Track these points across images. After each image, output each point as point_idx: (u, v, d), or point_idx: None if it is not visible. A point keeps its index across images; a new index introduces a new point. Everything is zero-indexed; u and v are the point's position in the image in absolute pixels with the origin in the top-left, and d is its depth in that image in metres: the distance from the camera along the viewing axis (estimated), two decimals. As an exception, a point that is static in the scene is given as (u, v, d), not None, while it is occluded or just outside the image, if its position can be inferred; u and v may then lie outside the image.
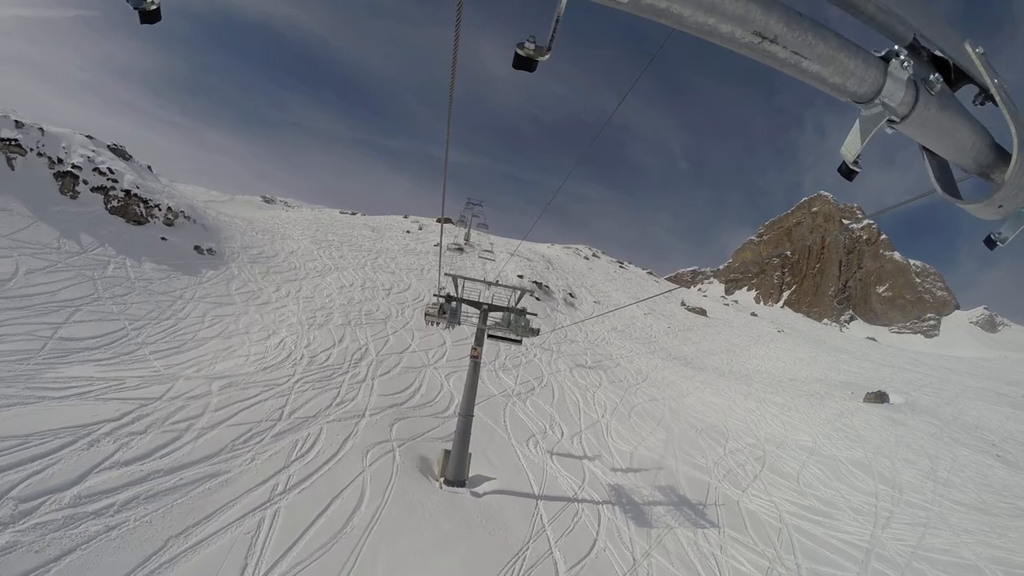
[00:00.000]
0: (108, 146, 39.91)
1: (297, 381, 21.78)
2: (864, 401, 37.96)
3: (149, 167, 43.64)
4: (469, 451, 16.65)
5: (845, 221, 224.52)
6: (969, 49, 1.67)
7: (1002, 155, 1.76)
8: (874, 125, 1.66)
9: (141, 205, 35.29)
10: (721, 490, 20.52)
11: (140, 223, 34.26)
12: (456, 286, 18.16)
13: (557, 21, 1.53)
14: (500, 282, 20.26)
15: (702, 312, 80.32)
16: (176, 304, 27.37)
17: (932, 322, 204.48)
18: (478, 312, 17.84)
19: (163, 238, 34.52)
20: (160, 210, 36.60)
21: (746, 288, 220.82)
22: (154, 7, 1.57)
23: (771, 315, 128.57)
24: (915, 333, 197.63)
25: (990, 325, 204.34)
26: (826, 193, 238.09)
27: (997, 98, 1.65)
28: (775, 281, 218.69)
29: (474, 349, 17.19)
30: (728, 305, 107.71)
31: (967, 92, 1.83)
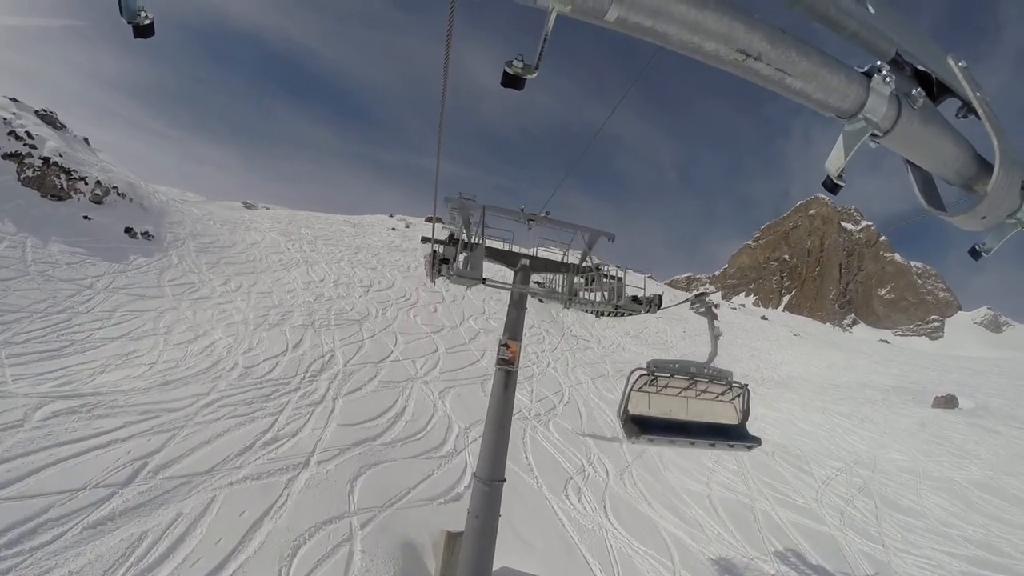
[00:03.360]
0: (36, 111, 33.80)
1: (208, 404, 14.57)
2: (933, 407, 34.73)
3: (86, 139, 37.07)
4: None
5: (844, 224, 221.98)
6: (952, 63, 1.74)
7: (984, 167, 1.76)
8: (857, 140, 1.66)
9: (62, 177, 29.08)
10: (855, 546, 14.94)
11: (60, 198, 28.37)
12: (466, 224, 10.82)
13: (545, 40, 1.50)
14: (549, 214, 11.79)
15: (714, 316, 75.23)
16: (80, 295, 21.08)
17: (936, 323, 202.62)
18: (512, 274, 10.91)
19: (86, 217, 28.43)
20: (86, 184, 30.26)
21: (744, 293, 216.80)
22: (148, 22, 1.55)
23: (780, 319, 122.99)
24: (919, 335, 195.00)
25: (994, 325, 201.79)
26: (823, 196, 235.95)
27: (979, 111, 1.68)
28: (774, 286, 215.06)
29: (506, 345, 10.09)
30: (736, 309, 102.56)
31: (950, 105, 1.84)
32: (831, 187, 1.84)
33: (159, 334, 19.67)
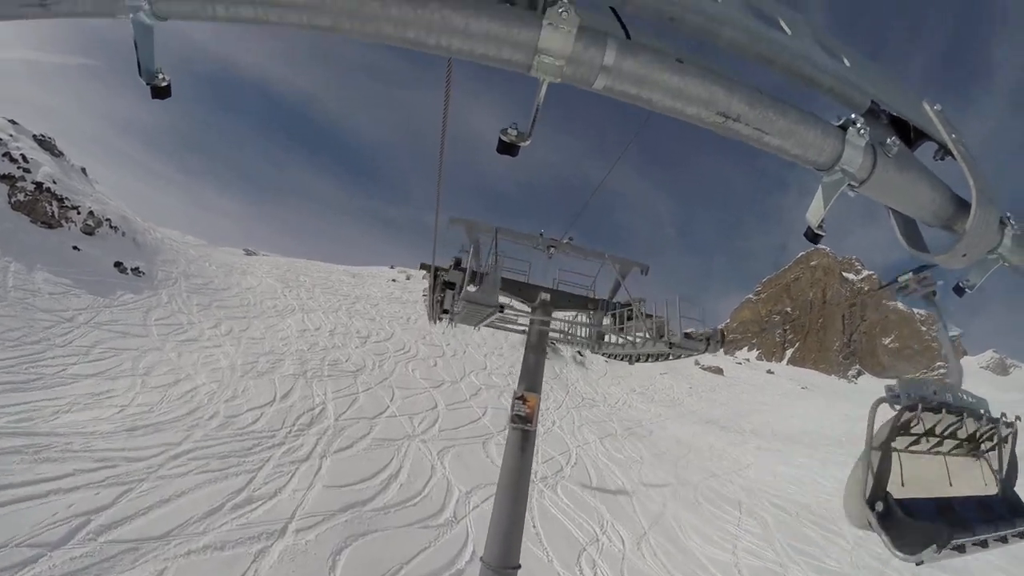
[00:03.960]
0: (34, 135, 33.18)
1: (178, 456, 13.03)
2: None
3: (83, 169, 36.36)
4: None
5: (845, 274, 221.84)
6: (927, 108, 1.81)
7: (962, 207, 1.77)
8: (835, 190, 1.68)
9: (54, 204, 28.21)
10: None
11: (50, 225, 27.44)
12: (475, 250, 9.42)
13: (537, 110, 1.54)
14: (573, 240, 10.21)
15: (719, 371, 75.35)
16: (59, 327, 20.01)
17: (943, 370, 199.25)
18: (529, 309, 9.70)
19: (75, 247, 27.40)
20: (79, 213, 29.35)
21: (747, 348, 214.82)
22: (165, 84, 1.60)
23: (785, 372, 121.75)
24: None
25: (1001, 368, 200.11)
26: (823, 247, 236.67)
27: (955, 153, 1.73)
28: (777, 339, 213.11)
29: (523, 399, 8.68)
30: (741, 364, 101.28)
31: (927, 149, 1.89)
32: (812, 237, 1.85)
33: (137, 375, 18.45)
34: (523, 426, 9.01)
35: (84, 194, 31.12)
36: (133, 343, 21.23)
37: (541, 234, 10.70)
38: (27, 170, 28.59)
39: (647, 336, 8.39)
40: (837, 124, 1.68)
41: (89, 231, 29.37)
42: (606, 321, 10.40)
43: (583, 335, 10.93)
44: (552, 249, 10.54)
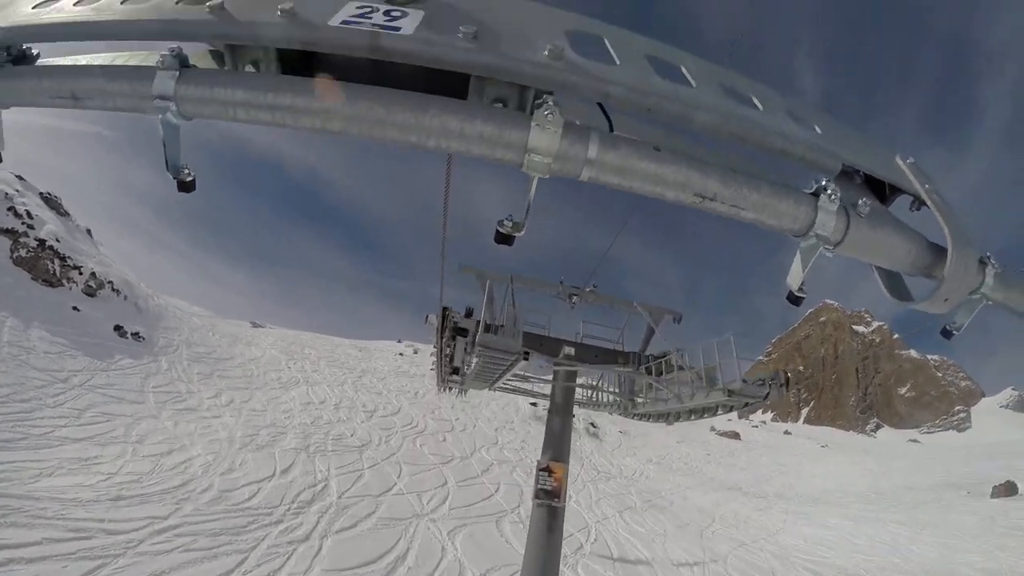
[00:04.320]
0: (41, 193, 33.61)
1: (163, 531, 12.14)
2: (994, 497, 34.61)
3: (88, 231, 36.72)
4: None
5: (855, 327, 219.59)
6: (899, 162, 1.88)
7: (940, 253, 1.81)
8: (812, 254, 1.74)
9: (55, 262, 28.15)
10: None
11: (51, 284, 27.33)
12: (488, 299, 8.33)
13: (529, 205, 1.67)
14: (596, 288, 9.25)
15: (735, 436, 74.73)
16: (51, 387, 19.54)
17: (962, 414, 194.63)
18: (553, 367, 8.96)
19: (75, 307, 27.15)
20: (81, 274, 29.24)
21: (761, 411, 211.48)
22: (190, 179, 1.69)
23: (803, 432, 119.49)
24: (947, 429, 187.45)
25: (1021, 406, 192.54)
26: (831, 301, 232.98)
27: (928, 202, 1.79)
28: (792, 399, 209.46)
29: (548, 470, 7.77)
30: (757, 427, 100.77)
31: (904, 200, 1.94)
32: (794, 300, 1.90)
33: (129, 442, 17.99)
34: (550, 502, 8.06)
35: (87, 255, 31.10)
36: (128, 409, 20.58)
37: (561, 282, 9.94)
38: (31, 226, 28.57)
39: (695, 387, 7.53)
40: (809, 192, 1.74)
41: (90, 292, 29.10)
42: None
43: (611, 394, 10.07)
44: (575, 298, 9.75)
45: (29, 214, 29.16)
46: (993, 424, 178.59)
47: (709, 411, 8.14)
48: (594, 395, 11.01)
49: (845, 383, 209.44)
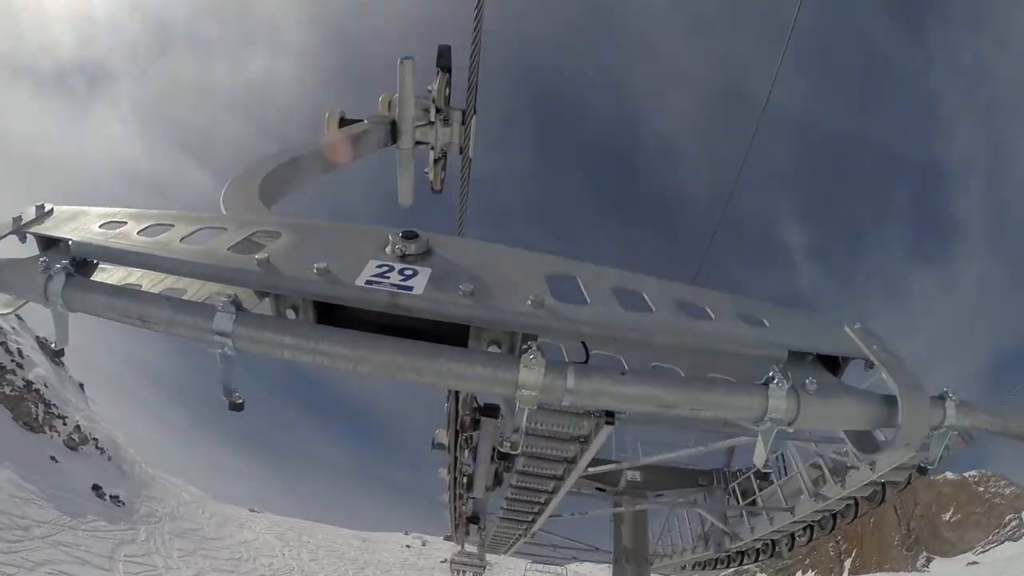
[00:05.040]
0: (37, 337, 33.30)
1: None
2: None
3: (81, 385, 35.61)
4: None
5: None
6: (848, 330, 2.00)
7: (893, 403, 1.85)
8: (770, 435, 1.81)
9: (40, 406, 27.62)
10: None
11: (32, 428, 26.65)
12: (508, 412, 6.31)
13: (521, 430, 1.83)
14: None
15: None
16: (10, 532, 17.80)
17: (1015, 523, 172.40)
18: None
19: (54, 458, 25.98)
20: (65, 424, 28.40)
21: (800, 571, 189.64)
22: (240, 401, 1.78)
23: None
24: (1002, 542, 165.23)
25: None
26: None
27: (876, 362, 1.89)
28: (831, 552, 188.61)
29: None
30: None
31: (858, 362, 2.03)
32: (761, 475, 2.18)
33: None
34: None
35: (75, 407, 30.06)
36: (92, 573, 18.60)
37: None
38: (20, 365, 28.13)
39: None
40: (760, 383, 1.81)
41: (72, 445, 27.82)
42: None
43: (698, 537, 7.87)
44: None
45: (20, 352, 28.69)
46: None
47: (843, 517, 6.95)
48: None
49: (885, 523, 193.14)
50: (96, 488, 26.03)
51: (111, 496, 26.23)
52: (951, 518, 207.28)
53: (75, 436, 28.41)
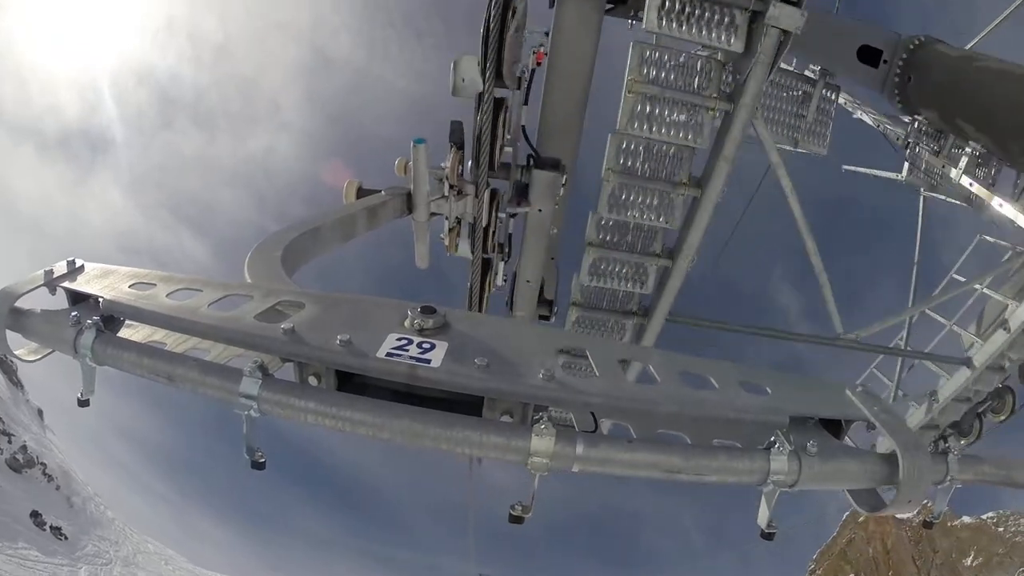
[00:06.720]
0: None
1: None
2: None
3: (40, 411, 33.81)
4: None
5: (899, 515, 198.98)
6: (849, 394, 2.05)
7: (892, 461, 1.91)
8: (773, 497, 1.90)
9: None
10: None
11: None
12: None
13: (533, 495, 1.84)
14: None
15: None
16: None
17: None
18: None
19: None
20: (10, 443, 26.83)
21: None
22: (262, 460, 1.85)
23: None
24: None
25: None
26: None
27: (877, 423, 1.97)
28: None
29: None
30: None
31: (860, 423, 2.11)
32: (767, 537, 2.03)
33: None
34: None
35: (25, 427, 28.38)
36: None
37: None
38: None
39: None
40: (763, 447, 1.91)
41: (15, 467, 26.04)
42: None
43: None
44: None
45: (-26, 367, 27.41)
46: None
47: None
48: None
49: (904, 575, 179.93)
50: (35, 516, 23.79)
51: (52, 527, 23.90)
52: (973, 563, 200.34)
53: (19, 457, 26.50)
